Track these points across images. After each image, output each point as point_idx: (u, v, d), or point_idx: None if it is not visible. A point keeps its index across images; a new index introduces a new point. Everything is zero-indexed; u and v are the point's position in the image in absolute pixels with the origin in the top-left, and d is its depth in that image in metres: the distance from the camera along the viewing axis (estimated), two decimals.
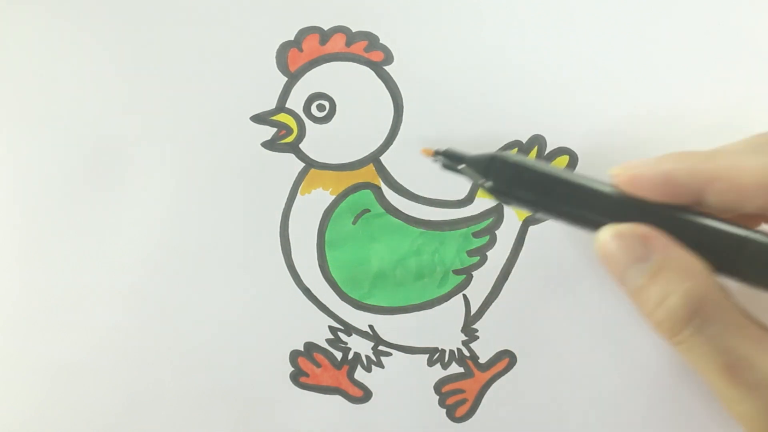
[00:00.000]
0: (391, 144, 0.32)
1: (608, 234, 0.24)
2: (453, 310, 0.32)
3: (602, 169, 0.32)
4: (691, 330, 0.23)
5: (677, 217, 0.24)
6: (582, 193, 0.25)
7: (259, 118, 0.32)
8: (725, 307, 0.23)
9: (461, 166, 0.28)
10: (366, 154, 0.32)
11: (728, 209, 0.24)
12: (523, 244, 0.32)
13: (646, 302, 0.24)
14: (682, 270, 0.23)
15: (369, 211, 0.32)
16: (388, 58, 0.32)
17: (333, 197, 0.32)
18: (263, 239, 0.32)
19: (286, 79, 0.32)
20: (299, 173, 0.32)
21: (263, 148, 0.32)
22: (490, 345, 0.33)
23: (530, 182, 0.26)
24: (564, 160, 0.32)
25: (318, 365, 0.33)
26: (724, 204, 0.24)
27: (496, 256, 0.32)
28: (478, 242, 0.32)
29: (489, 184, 0.27)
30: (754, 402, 0.22)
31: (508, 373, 0.33)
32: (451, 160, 0.28)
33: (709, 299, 0.23)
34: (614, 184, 0.25)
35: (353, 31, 0.32)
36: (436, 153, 0.29)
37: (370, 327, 0.33)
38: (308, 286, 0.32)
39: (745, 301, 0.24)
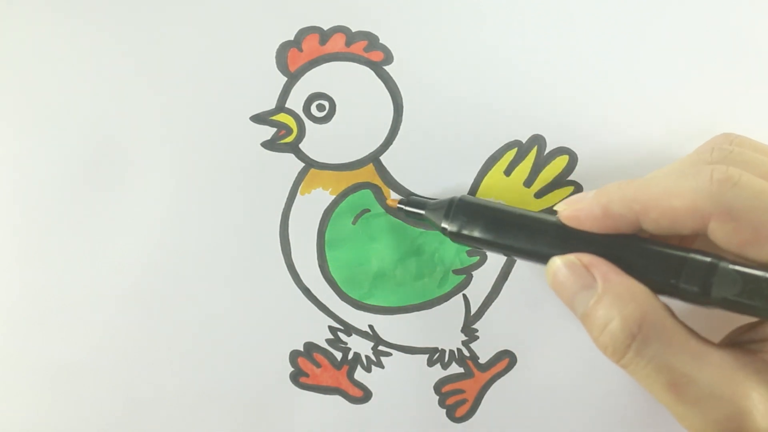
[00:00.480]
0: (391, 144, 0.32)
1: (557, 263, 0.26)
2: (453, 310, 0.32)
3: (602, 169, 0.32)
4: (632, 353, 0.24)
5: (619, 244, 0.26)
6: (533, 227, 0.27)
7: (259, 118, 0.32)
8: (665, 327, 0.24)
9: (423, 213, 0.30)
10: (366, 154, 0.32)
11: (666, 233, 0.25)
12: None
13: (592, 327, 0.25)
14: (621, 295, 0.24)
15: (369, 210, 0.32)
16: (388, 58, 0.32)
17: (333, 197, 0.32)
18: (263, 239, 0.32)
19: (285, 79, 0.32)
20: (299, 173, 0.32)
21: (263, 148, 0.32)
22: (490, 345, 0.33)
23: (485, 219, 0.28)
24: (564, 160, 0.32)
25: (318, 365, 0.33)
26: (661, 229, 0.25)
27: (496, 256, 0.32)
28: None
29: (448, 226, 0.29)
30: (700, 416, 0.23)
31: (508, 373, 0.33)
32: (414, 207, 0.31)
33: (647, 321, 0.24)
34: (560, 218, 0.27)
35: (353, 31, 0.32)
36: (400, 202, 0.31)
37: (370, 327, 0.33)
38: (308, 286, 0.32)
39: (692, 319, 0.25)
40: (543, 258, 0.27)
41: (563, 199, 0.32)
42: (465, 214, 0.28)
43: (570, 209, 0.26)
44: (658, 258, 0.25)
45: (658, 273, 0.25)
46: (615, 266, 0.25)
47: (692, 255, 0.24)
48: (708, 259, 0.24)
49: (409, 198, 0.31)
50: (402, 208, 0.31)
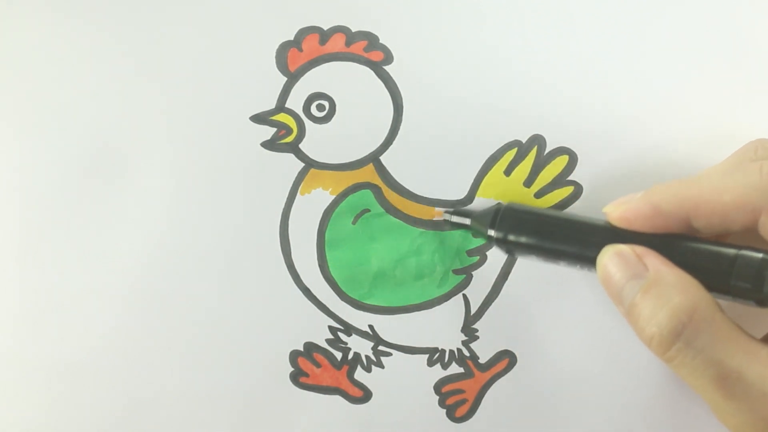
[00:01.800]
0: (391, 144, 0.32)
1: (609, 252, 0.26)
2: (453, 310, 0.32)
3: (602, 169, 0.32)
4: (680, 345, 0.23)
5: (669, 243, 0.26)
6: (581, 230, 0.27)
7: (259, 118, 0.32)
8: (715, 321, 0.24)
9: (468, 222, 0.30)
10: (366, 154, 0.32)
11: (716, 231, 0.25)
12: None
13: (638, 319, 0.25)
14: (672, 285, 0.24)
15: (369, 210, 0.32)
16: (388, 58, 0.32)
17: (333, 197, 0.32)
18: (263, 239, 0.32)
19: (285, 79, 0.32)
20: (299, 173, 0.32)
21: (263, 148, 0.32)
22: (490, 345, 0.32)
23: (532, 226, 0.28)
24: (564, 160, 0.32)
25: (318, 365, 0.33)
26: (711, 227, 0.25)
27: (496, 256, 0.32)
28: (477, 242, 0.32)
29: (494, 233, 0.29)
30: (745, 414, 0.23)
31: (508, 373, 0.32)
32: (459, 216, 0.31)
33: (698, 313, 0.23)
34: (609, 220, 0.27)
35: (353, 31, 0.32)
36: (446, 213, 0.31)
37: (370, 327, 0.33)
38: (308, 286, 0.32)
39: (739, 319, 0.25)
40: (592, 261, 0.27)
41: (563, 199, 0.32)
42: (511, 220, 0.28)
43: (619, 210, 0.26)
44: (710, 254, 0.25)
45: (710, 269, 0.25)
46: (667, 259, 0.25)
47: (744, 251, 0.24)
48: (760, 255, 0.24)
49: (455, 209, 0.31)
50: (448, 220, 0.31)
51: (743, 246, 0.25)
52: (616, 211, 0.26)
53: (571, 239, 0.27)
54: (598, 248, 0.27)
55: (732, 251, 0.24)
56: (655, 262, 0.25)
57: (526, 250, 0.28)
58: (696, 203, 0.24)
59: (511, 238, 0.28)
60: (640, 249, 0.25)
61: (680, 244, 0.25)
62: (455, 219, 0.31)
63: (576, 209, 0.32)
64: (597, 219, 0.28)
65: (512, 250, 0.29)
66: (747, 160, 0.26)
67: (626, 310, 0.25)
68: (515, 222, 0.28)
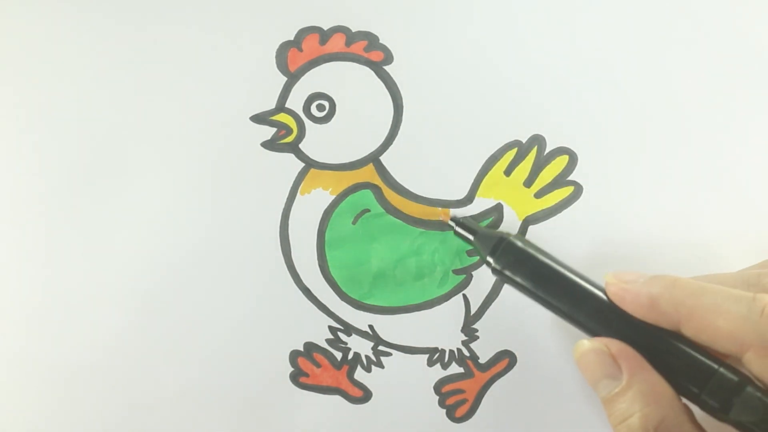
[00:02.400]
0: (391, 144, 0.32)
1: (585, 346, 0.26)
2: (453, 310, 0.32)
3: (602, 169, 0.32)
4: None
5: (654, 336, 0.26)
6: (576, 292, 0.27)
7: (259, 118, 0.32)
8: (683, 431, 0.24)
9: (471, 238, 0.30)
10: (366, 154, 0.32)
11: (702, 344, 0.25)
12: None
13: (612, 414, 0.25)
14: (645, 393, 0.25)
15: (369, 211, 0.32)
16: (388, 58, 0.32)
17: (333, 197, 0.32)
18: (263, 239, 0.32)
19: (285, 79, 0.32)
20: (299, 173, 0.32)
21: (263, 148, 0.32)
22: (490, 345, 0.32)
23: (530, 269, 0.28)
24: (564, 160, 0.32)
25: (318, 365, 0.33)
26: (698, 340, 0.25)
27: None
28: None
29: (493, 262, 0.29)
30: None
31: (508, 373, 0.33)
32: (464, 229, 0.31)
33: (666, 424, 0.24)
34: (606, 291, 0.27)
35: (353, 31, 0.32)
36: (452, 219, 0.31)
37: (370, 327, 0.33)
38: (308, 286, 0.32)
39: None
40: (579, 325, 0.27)
41: (563, 199, 0.32)
42: (511, 256, 0.28)
43: (618, 286, 0.26)
44: (689, 363, 0.25)
45: (685, 378, 0.25)
46: (643, 359, 0.25)
47: (722, 370, 0.24)
48: (736, 378, 0.24)
49: (463, 218, 0.31)
50: (452, 227, 0.31)
51: (724, 363, 0.24)
52: (614, 286, 0.26)
53: (564, 298, 0.27)
54: (588, 317, 0.27)
55: (712, 366, 0.24)
56: (630, 364, 0.25)
57: (517, 287, 0.28)
58: (691, 314, 0.24)
59: (507, 273, 0.28)
60: (616, 347, 0.25)
61: (665, 341, 0.25)
62: (459, 230, 0.31)
63: (576, 209, 0.32)
64: (596, 285, 0.27)
65: (505, 280, 0.29)
66: (751, 285, 0.26)
67: (601, 400, 0.26)
68: (515, 259, 0.28)
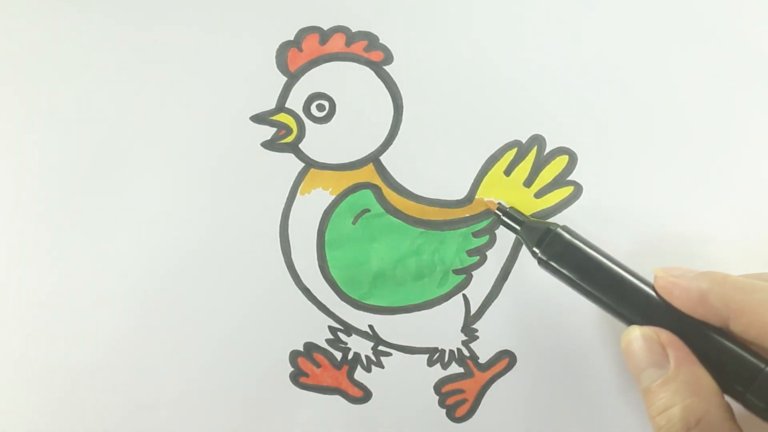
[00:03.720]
0: (391, 144, 0.32)
1: (635, 333, 0.26)
2: (453, 310, 0.32)
3: (602, 169, 0.32)
4: None
5: (702, 332, 0.26)
6: (623, 285, 0.27)
7: (259, 118, 0.32)
8: (723, 428, 0.24)
9: (518, 228, 0.30)
10: (366, 154, 0.32)
11: (749, 341, 0.25)
12: (523, 244, 0.32)
13: (652, 405, 0.25)
14: (690, 385, 0.24)
15: (369, 211, 0.32)
16: (388, 58, 0.32)
17: (333, 197, 0.32)
18: (263, 239, 0.32)
19: (285, 79, 0.32)
20: (299, 173, 0.32)
21: (263, 148, 0.32)
22: (490, 345, 0.32)
23: (577, 260, 0.28)
24: (564, 160, 0.32)
25: (318, 365, 0.33)
26: (747, 336, 0.25)
27: (496, 256, 0.32)
28: (477, 242, 0.32)
29: (539, 253, 0.29)
30: None
31: (508, 373, 0.33)
32: (510, 219, 0.30)
33: (707, 419, 0.24)
34: (654, 284, 0.27)
35: (353, 31, 0.32)
36: (499, 209, 0.31)
37: (370, 327, 0.33)
38: (308, 286, 0.32)
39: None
40: (624, 318, 0.27)
41: (563, 199, 0.32)
42: (558, 247, 0.28)
43: (667, 280, 0.26)
44: (735, 360, 0.25)
45: (730, 375, 0.25)
46: (690, 352, 0.25)
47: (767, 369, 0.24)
48: None
49: (510, 209, 0.31)
50: (499, 217, 0.31)
51: None
52: (663, 280, 0.26)
53: (610, 290, 0.27)
54: (634, 310, 0.27)
55: (757, 364, 0.24)
56: (678, 355, 0.25)
57: (563, 279, 0.28)
58: (741, 310, 0.24)
59: (553, 264, 0.28)
60: (666, 336, 0.25)
61: (711, 338, 0.25)
62: (506, 220, 0.31)
63: (576, 209, 0.32)
64: (642, 278, 0.27)
65: (551, 271, 0.29)
66: None
67: (642, 391, 0.26)
68: (562, 250, 0.28)
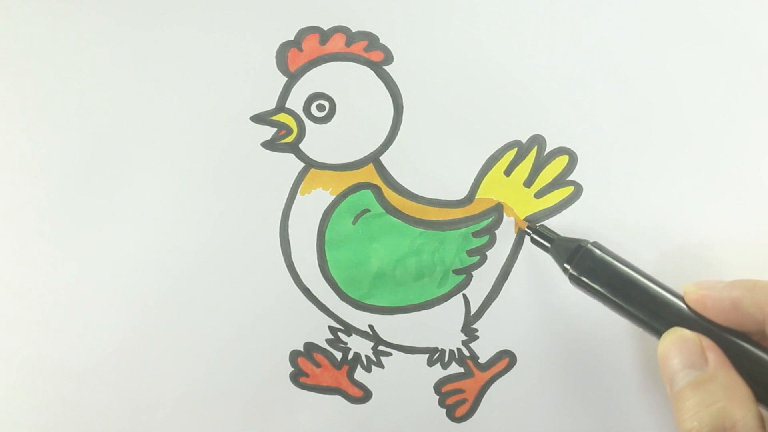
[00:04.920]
0: (391, 144, 0.32)
1: (674, 335, 0.26)
2: (453, 310, 0.32)
3: (602, 169, 0.32)
4: None
5: (736, 342, 0.26)
6: (655, 300, 0.27)
7: (259, 118, 0.32)
8: None
9: (548, 245, 0.30)
10: (366, 154, 0.32)
11: None
12: (523, 244, 0.32)
13: (682, 408, 0.25)
14: (728, 389, 0.24)
15: (369, 211, 0.32)
16: (388, 58, 0.32)
17: (333, 197, 0.32)
18: (263, 239, 0.32)
19: (286, 79, 0.32)
20: (299, 173, 0.32)
21: (263, 148, 0.32)
22: (490, 345, 0.33)
23: (608, 276, 0.28)
24: (564, 160, 0.32)
25: (318, 365, 0.33)
26: None
27: (496, 256, 0.32)
28: (477, 242, 0.32)
29: (570, 269, 0.29)
30: None
31: (508, 373, 0.33)
32: (541, 237, 0.31)
33: (741, 424, 0.23)
34: (685, 299, 0.27)
35: (353, 31, 0.32)
36: (529, 227, 0.31)
37: (370, 327, 0.33)
38: (308, 286, 0.32)
39: None
40: (656, 332, 0.27)
41: (563, 199, 0.32)
42: (590, 263, 0.28)
43: (698, 293, 0.26)
44: None
45: (765, 384, 0.25)
46: (728, 360, 0.25)
47: None
48: None
49: (540, 226, 0.31)
50: (530, 235, 0.31)
51: None
52: (694, 294, 0.26)
53: (641, 305, 0.27)
54: (666, 324, 0.26)
55: None
56: (716, 358, 0.25)
57: (595, 294, 0.28)
58: None
59: (585, 280, 0.28)
60: (706, 341, 0.25)
61: (745, 347, 0.25)
62: (537, 238, 0.31)
63: (576, 209, 0.32)
64: (673, 291, 0.27)
65: (582, 287, 0.29)
66: None
67: (673, 395, 0.25)
68: (593, 266, 0.28)
